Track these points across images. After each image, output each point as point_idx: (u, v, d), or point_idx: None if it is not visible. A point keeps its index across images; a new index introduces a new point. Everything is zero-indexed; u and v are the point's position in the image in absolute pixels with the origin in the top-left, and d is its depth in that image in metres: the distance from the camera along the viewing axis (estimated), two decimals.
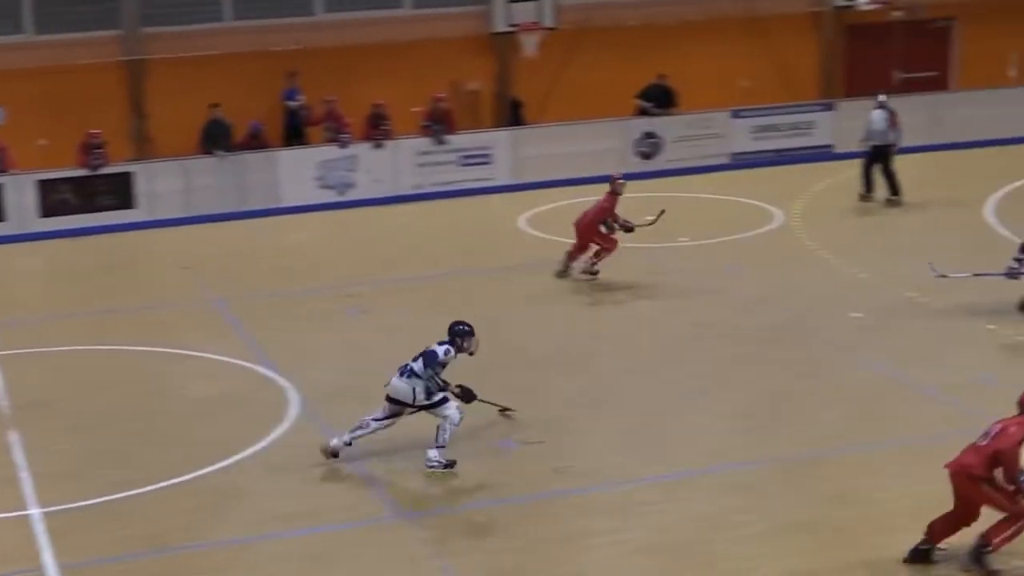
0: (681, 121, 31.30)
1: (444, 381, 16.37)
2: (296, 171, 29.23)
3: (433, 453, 16.32)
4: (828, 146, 31.99)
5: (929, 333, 20.55)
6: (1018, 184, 28.94)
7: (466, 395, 16.59)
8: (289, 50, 30.82)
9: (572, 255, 23.78)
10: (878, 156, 28.30)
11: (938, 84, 36.05)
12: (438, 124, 29.86)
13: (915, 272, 23.11)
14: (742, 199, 28.58)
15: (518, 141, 30.41)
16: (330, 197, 29.27)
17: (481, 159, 29.97)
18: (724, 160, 31.25)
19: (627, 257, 24.46)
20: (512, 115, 32.45)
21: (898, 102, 32.21)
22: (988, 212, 26.93)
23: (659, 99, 31.63)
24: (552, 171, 29.87)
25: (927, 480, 15.78)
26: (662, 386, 18.92)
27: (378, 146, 29.47)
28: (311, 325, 21.90)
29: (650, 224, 24.00)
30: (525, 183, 29.72)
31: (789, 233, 25.88)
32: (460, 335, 16.64)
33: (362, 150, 29.53)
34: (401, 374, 16.41)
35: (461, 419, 16.39)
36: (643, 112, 31.59)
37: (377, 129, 29.66)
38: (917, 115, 32.31)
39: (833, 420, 17.65)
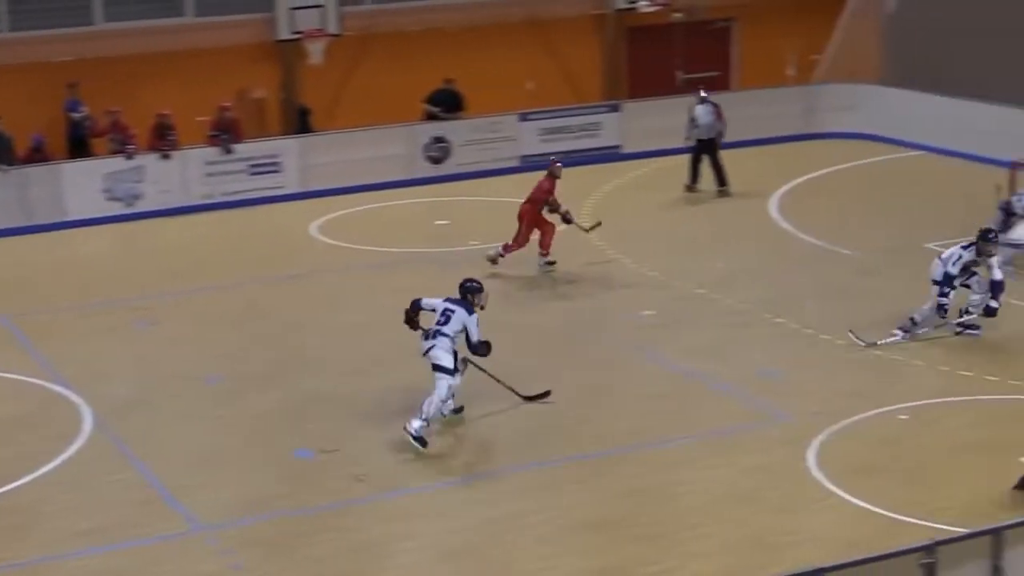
0: (469, 125, 31.36)
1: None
2: (81, 184, 28.66)
3: (416, 424, 16.78)
4: (616, 147, 32.33)
5: (719, 329, 20.91)
6: (799, 181, 29.57)
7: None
8: (69, 60, 30.25)
9: (510, 247, 23.97)
10: (705, 148, 29.09)
11: (720, 84, 36.67)
12: (225, 133, 29.54)
13: (703, 269, 23.57)
14: None
15: (307, 149, 30.21)
16: (117, 209, 28.76)
17: (270, 168, 29.71)
18: (514, 163, 31.39)
19: (417, 261, 24.51)
20: (300, 123, 32.25)
21: (680, 103, 32.79)
22: (772, 208, 27.46)
23: (447, 104, 31.68)
24: (342, 178, 29.74)
25: (723, 474, 16.14)
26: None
27: (165, 156, 29.06)
28: (101, 339, 21.54)
29: (586, 230, 24.42)
30: (315, 190, 29.54)
31: (581, 233, 26.06)
32: (472, 291, 17.52)
33: (149, 161, 29.08)
34: (426, 335, 17.21)
35: (448, 400, 17.03)
36: (431, 117, 31.61)
37: (163, 139, 29.24)
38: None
39: (629, 417, 17.86)
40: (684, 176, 29.00)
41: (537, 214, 24.02)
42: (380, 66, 33.00)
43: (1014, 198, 23.46)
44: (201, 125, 29.72)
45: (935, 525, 14.26)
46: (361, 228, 27.24)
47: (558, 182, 24.30)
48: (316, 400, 18.61)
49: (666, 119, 32.29)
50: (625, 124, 32.48)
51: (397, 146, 30.62)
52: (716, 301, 22.13)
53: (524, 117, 31.75)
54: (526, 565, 14.29)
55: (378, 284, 23.70)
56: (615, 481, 16.07)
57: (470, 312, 17.33)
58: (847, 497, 15.40)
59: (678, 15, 36.24)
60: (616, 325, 21.29)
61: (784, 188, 29.07)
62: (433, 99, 31.74)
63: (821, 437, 16.91)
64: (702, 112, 29.13)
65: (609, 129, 32.41)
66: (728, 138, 29.81)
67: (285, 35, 31.83)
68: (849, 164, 30.38)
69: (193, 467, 16.72)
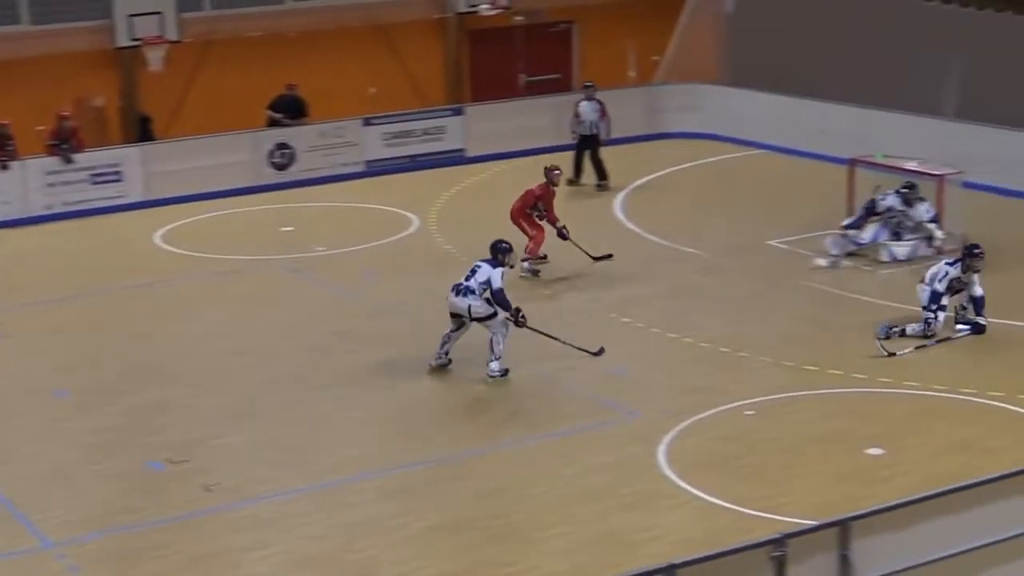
0: (313, 131, 31.24)
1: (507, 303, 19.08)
2: None
3: (494, 364, 19.01)
4: (460, 150, 32.40)
5: (567, 330, 21.01)
6: (642, 181, 29.87)
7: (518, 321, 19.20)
8: None
9: (532, 250, 23.67)
10: (588, 144, 29.62)
11: (562, 86, 36.94)
12: (65, 142, 29.13)
13: (550, 270, 23.69)
14: (378, 206, 28.72)
15: (149, 157, 29.86)
16: None
17: (112, 177, 29.32)
18: (359, 168, 31.34)
19: (264, 268, 24.39)
20: (141, 131, 31.93)
21: (524, 105, 33.06)
22: (617, 209, 27.70)
23: (290, 109, 31.54)
24: (185, 186, 29.43)
25: (575, 473, 16.25)
26: (305, 396, 18.89)
27: (4, 167, 28.57)
28: None
29: (593, 258, 23.72)
30: (159, 199, 29.23)
31: (427, 238, 26.13)
32: (502, 252, 19.35)
33: None
34: (457, 292, 19.11)
35: (508, 331, 19.09)
36: (274, 123, 31.45)
37: (2, 150, 28.74)
38: (543, 117, 33.06)
39: (481, 419, 17.95)
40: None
41: (527, 215, 23.86)
42: (222, 72, 32.79)
43: (878, 197, 23.93)
44: (40, 134, 29.29)
45: (784, 518, 14.51)
46: (206, 236, 27.03)
47: (555, 191, 24.15)
48: (164, 411, 18.44)
49: (509, 122, 32.56)
50: (469, 127, 32.56)
51: (241, 153, 30.40)
52: (563, 302, 22.27)
53: (368, 122, 31.70)
54: (384, 570, 14.27)
55: (224, 292, 23.54)
56: (469, 483, 16.12)
57: (495, 265, 19.25)
58: (697, 493, 15.58)
59: (519, 18, 36.49)
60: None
61: (628, 188, 29.35)
62: (276, 105, 31.59)
63: (670, 434, 17.09)
64: (587, 108, 29.75)
65: (453, 133, 32.47)
66: (570, 140, 30.06)
67: (124, 42, 31.47)
68: (691, 164, 30.75)
69: (41, 482, 16.47)
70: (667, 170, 30.31)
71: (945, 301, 20.30)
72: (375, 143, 31.66)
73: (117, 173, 29.42)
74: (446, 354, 19.50)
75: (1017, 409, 17.58)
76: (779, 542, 11.82)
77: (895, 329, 20.08)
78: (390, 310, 22.31)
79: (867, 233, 23.77)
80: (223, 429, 17.80)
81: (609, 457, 16.59)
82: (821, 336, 20.55)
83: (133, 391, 19.22)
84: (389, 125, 31.89)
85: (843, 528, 12.14)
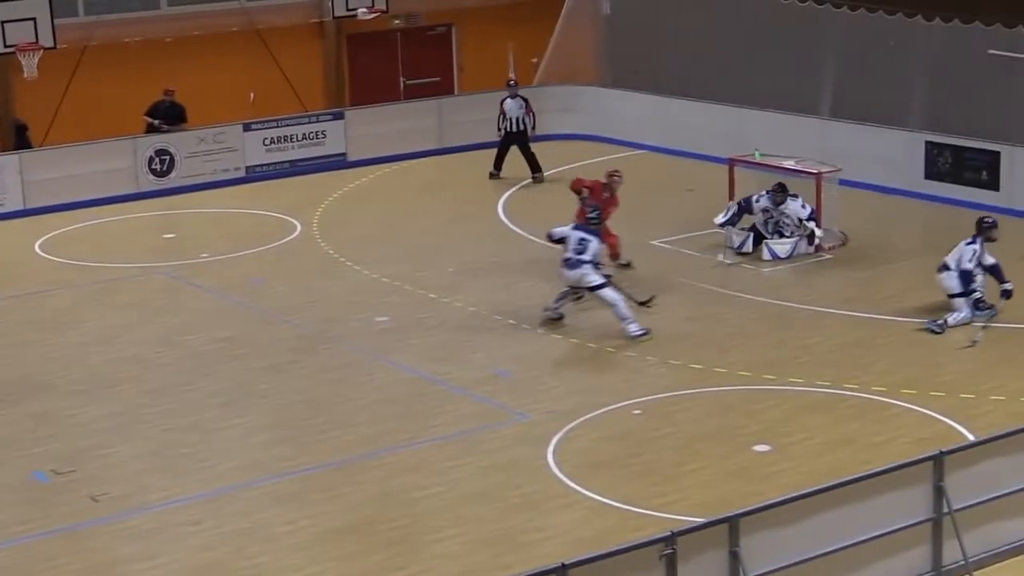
0: (193, 136, 31.00)
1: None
2: None
3: (632, 327, 20.28)
4: (341, 155, 32.33)
5: (453, 332, 21.10)
6: (526, 183, 29.98)
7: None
8: None
9: (614, 249, 23.53)
10: (514, 139, 30.41)
11: (443, 89, 37.00)
12: None
13: (435, 273, 23.74)
14: (261, 212, 28.60)
15: (26, 165, 29.44)
16: None
17: None
18: (240, 173, 31.17)
19: (146, 276, 24.22)
20: (18, 139, 31.51)
21: (404, 108, 33.10)
22: (500, 212, 27.78)
23: (168, 115, 31.31)
24: (64, 194, 29.11)
25: (464, 475, 16.31)
26: (192, 404, 18.76)
27: None
28: None
29: (640, 303, 21.59)
30: (37, 208, 28.86)
31: (311, 242, 26.06)
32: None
33: None
34: (571, 267, 20.52)
35: (618, 296, 20.44)
36: (153, 129, 31.20)
37: None
38: (424, 120, 33.13)
39: (369, 423, 17.91)
40: (414, 182, 29.20)
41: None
42: (98, 79, 32.49)
43: (752, 198, 24.20)
44: None
45: (673, 516, 14.65)
46: (87, 244, 26.76)
47: (611, 199, 23.65)
48: (48, 421, 18.24)
49: (390, 125, 32.58)
50: (350, 131, 32.50)
51: (119, 160, 30.11)
52: (448, 305, 22.31)
53: (248, 127, 31.54)
54: None
55: (106, 301, 23.32)
56: (358, 488, 16.11)
57: (601, 240, 20.88)
58: (588, 493, 15.68)
59: (397, 21, 36.49)
60: (351, 332, 21.32)
61: (511, 191, 29.43)
62: (154, 111, 31.35)
63: (559, 435, 17.19)
64: (512, 105, 30.40)
65: (334, 137, 32.39)
66: (452, 143, 30.17)
67: None
68: (571, 165, 30.86)
69: None
70: (548, 172, 30.41)
71: (979, 278, 20.81)
72: (255, 148, 31.49)
73: None
74: (557, 309, 21.12)
75: (899, 403, 17.87)
76: (669, 540, 11.99)
77: (938, 323, 20.48)
78: (275, 316, 22.22)
79: (738, 239, 24.07)
80: (109, 439, 17.64)
81: (499, 459, 16.66)
82: (706, 334, 20.74)
83: (15, 402, 18.99)
84: (269, 130, 31.74)
85: (732, 525, 12.33)
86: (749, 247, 24.09)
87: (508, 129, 30.48)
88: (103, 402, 18.88)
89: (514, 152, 30.32)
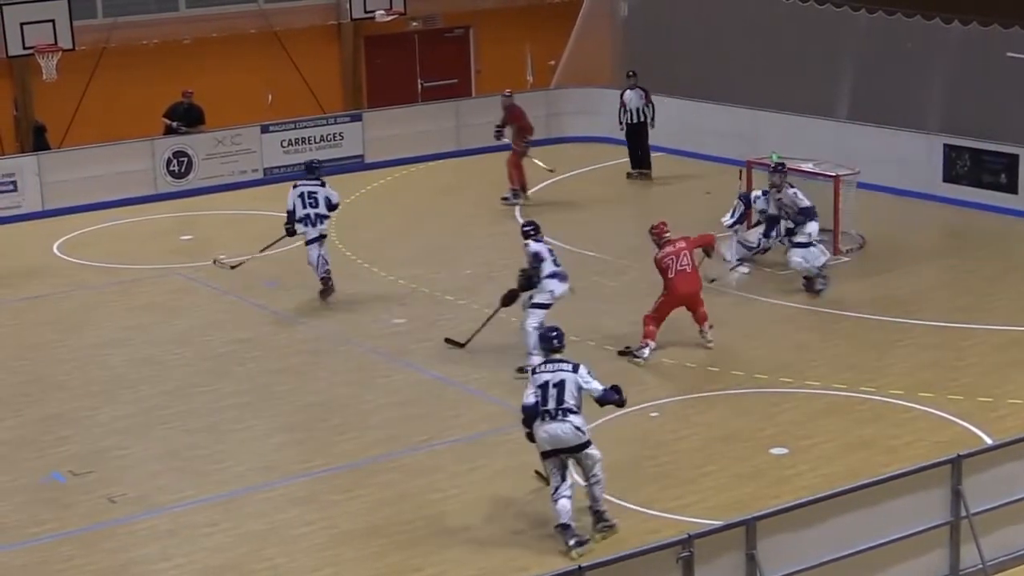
0: (211, 138, 31.04)
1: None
2: None
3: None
4: (359, 156, 32.35)
5: (469, 334, 21.08)
6: (542, 186, 29.91)
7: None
8: None
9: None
10: (636, 132, 30.32)
11: (460, 91, 37.01)
12: None
13: (451, 275, 23.75)
14: (279, 213, 28.47)
15: (45, 166, 29.53)
16: None
17: (7, 187, 28.98)
18: (257, 175, 31.21)
19: (164, 277, 24.25)
20: (36, 140, 31.56)
21: (422, 110, 33.12)
22: (518, 213, 27.74)
23: (186, 117, 31.33)
24: (83, 195, 29.18)
25: (480, 476, 16.31)
26: (208, 405, 18.79)
27: None
28: None
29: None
30: (56, 209, 28.94)
31: (329, 244, 26.05)
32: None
33: None
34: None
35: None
36: (171, 131, 31.23)
37: None
38: (441, 122, 33.15)
39: (385, 425, 17.92)
40: (431, 184, 29.21)
41: None
42: (117, 81, 32.57)
43: (753, 195, 24.13)
44: None
45: (690, 519, 14.64)
46: (104, 246, 26.82)
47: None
48: (66, 423, 18.29)
49: (408, 127, 32.60)
50: (367, 133, 32.52)
51: (138, 161, 30.18)
52: (465, 307, 22.30)
53: (265, 129, 31.58)
54: None
55: (123, 302, 23.38)
56: (376, 490, 16.11)
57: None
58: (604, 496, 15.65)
59: (415, 23, 36.51)
60: (368, 334, 21.33)
61: (529, 192, 29.38)
62: (172, 113, 31.38)
63: None
64: (632, 97, 30.13)
65: (351, 139, 32.41)
66: (470, 145, 30.09)
67: (16, 51, 31.04)
68: (589, 167, 30.88)
69: None
70: (565, 174, 30.38)
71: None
72: (273, 150, 31.53)
73: (12, 183, 29.09)
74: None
75: (917, 406, 17.83)
76: (686, 543, 11.98)
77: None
78: (291, 318, 22.24)
79: (753, 236, 23.93)
80: (126, 440, 17.68)
81: (514, 461, 16.61)
82: (723, 337, 20.69)
83: (33, 403, 19.05)
84: (287, 132, 31.78)
85: (749, 528, 12.32)
86: (763, 241, 23.74)
87: (629, 121, 30.29)
88: (120, 403, 18.92)
89: (532, 155, 30.18)
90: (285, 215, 22.87)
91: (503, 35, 36.96)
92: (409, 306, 22.50)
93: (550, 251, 19.53)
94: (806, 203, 22.86)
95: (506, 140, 29.11)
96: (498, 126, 29.10)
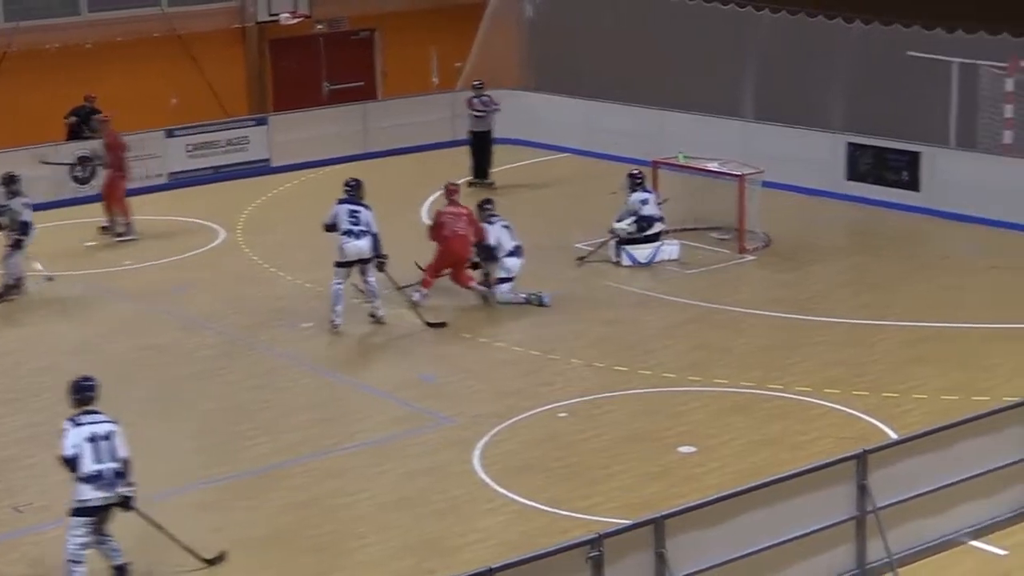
0: None
1: None
2: None
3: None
4: (265, 160, 32.20)
5: (379, 336, 21.06)
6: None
7: None
8: None
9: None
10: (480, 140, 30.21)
11: (366, 94, 36.92)
12: None
13: (358, 279, 23.62)
14: (184, 218, 28.43)
15: None
16: None
17: None
18: (162, 180, 30.98)
19: (69, 284, 24.00)
20: None
21: (328, 113, 33.01)
22: (423, 216, 27.70)
23: (89, 122, 31.03)
24: None
25: (389, 480, 16.27)
26: (115, 412, 18.42)
27: None
28: None
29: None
30: None
31: (234, 249, 25.93)
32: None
33: None
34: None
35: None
36: (73, 130, 30.88)
37: None
38: (347, 125, 33.05)
39: (293, 430, 17.83)
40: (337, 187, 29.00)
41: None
42: (18, 86, 32.19)
43: (642, 197, 24.23)
44: None
45: (600, 519, 14.67)
46: None
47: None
48: None
49: (314, 130, 32.47)
50: (273, 137, 32.37)
51: (41, 167, 29.80)
52: (368, 310, 22.21)
53: (170, 133, 31.35)
54: None
55: (26, 309, 23.08)
56: (282, 495, 16.03)
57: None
58: (514, 496, 15.67)
59: (320, 26, 36.39)
60: (275, 338, 21.22)
61: (434, 195, 29.32)
62: (75, 117, 31.04)
63: (485, 439, 17.18)
64: (478, 105, 30.14)
65: (257, 143, 32.25)
66: (376, 148, 30.01)
67: None
68: (496, 169, 30.87)
69: None
70: (471, 177, 30.37)
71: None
72: (178, 154, 31.31)
73: None
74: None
75: (823, 403, 17.98)
76: (595, 542, 11.99)
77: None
78: (198, 323, 22.09)
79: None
80: (31, 449, 17.46)
81: (423, 463, 16.63)
82: (630, 337, 20.79)
83: None
84: (192, 136, 31.58)
85: (657, 526, 12.36)
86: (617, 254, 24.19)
87: (475, 130, 30.21)
88: (25, 412, 18.70)
89: (439, 157, 30.20)
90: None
91: (409, 37, 36.93)
92: (316, 310, 22.39)
93: (506, 228, 21.92)
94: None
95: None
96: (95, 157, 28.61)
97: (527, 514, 15.25)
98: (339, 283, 21.13)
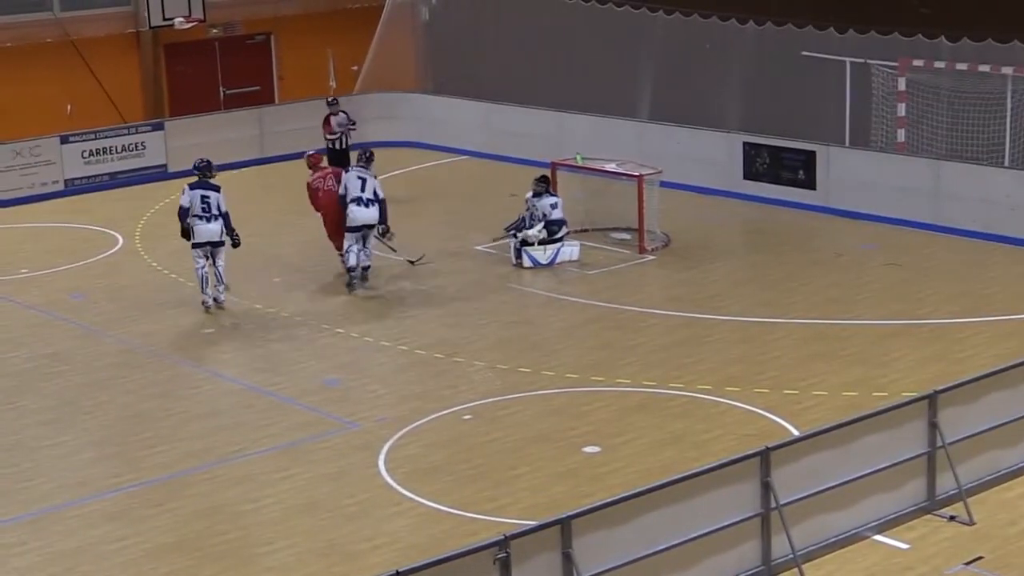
0: (8, 150, 30.41)
1: None
2: None
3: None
4: (162, 166, 31.97)
5: (280, 342, 20.99)
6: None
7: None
8: None
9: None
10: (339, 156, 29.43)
11: (263, 98, 36.76)
12: None
13: (259, 284, 23.58)
14: (82, 225, 28.18)
15: None
16: None
17: None
18: (58, 187, 30.69)
19: None
20: None
21: (225, 118, 32.85)
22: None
23: None
24: None
25: (294, 486, 16.24)
26: (13, 422, 18.43)
27: None
28: None
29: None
30: None
31: (133, 255, 25.75)
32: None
33: None
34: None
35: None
36: None
37: None
38: (245, 129, 32.92)
39: (196, 437, 17.73)
40: (236, 192, 28.85)
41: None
42: None
43: (552, 201, 24.36)
44: None
45: (506, 520, 14.72)
46: None
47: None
48: None
49: (211, 135, 32.25)
50: (170, 142, 32.15)
51: None
52: (275, 315, 22.19)
53: (65, 140, 31.05)
54: None
55: None
56: (187, 502, 15.95)
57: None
58: (420, 499, 15.69)
59: (215, 31, 36.19)
60: (176, 345, 21.11)
61: None
62: None
63: (390, 442, 17.19)
64: (336, 123, 29.48)
65: (154, 148, 32.03)
66: (273, 152, 29.86)
67: None
68: (395, 172, 30.86)
69: None
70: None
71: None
72: (74, 161, 31.03)
73: None
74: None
75: (724, 400, 18.14)
76: (502, 544, 12.03)
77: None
78: (98, 330, 21.91)
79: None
80: None
81: (329, 468, 16.61)
82: (532, 338, 20.88)
83: None
84: (88, 142, 31.30)
85: (564, 526, 12.42)
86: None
87: (333, 147, 29.28)
88: None
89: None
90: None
91: (305, 41, 36.81)
92: (216, 315, 22.29)
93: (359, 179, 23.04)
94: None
95: None
96: None
97: (434, 517, 15.28)
98: (201, 263, 22.30)
